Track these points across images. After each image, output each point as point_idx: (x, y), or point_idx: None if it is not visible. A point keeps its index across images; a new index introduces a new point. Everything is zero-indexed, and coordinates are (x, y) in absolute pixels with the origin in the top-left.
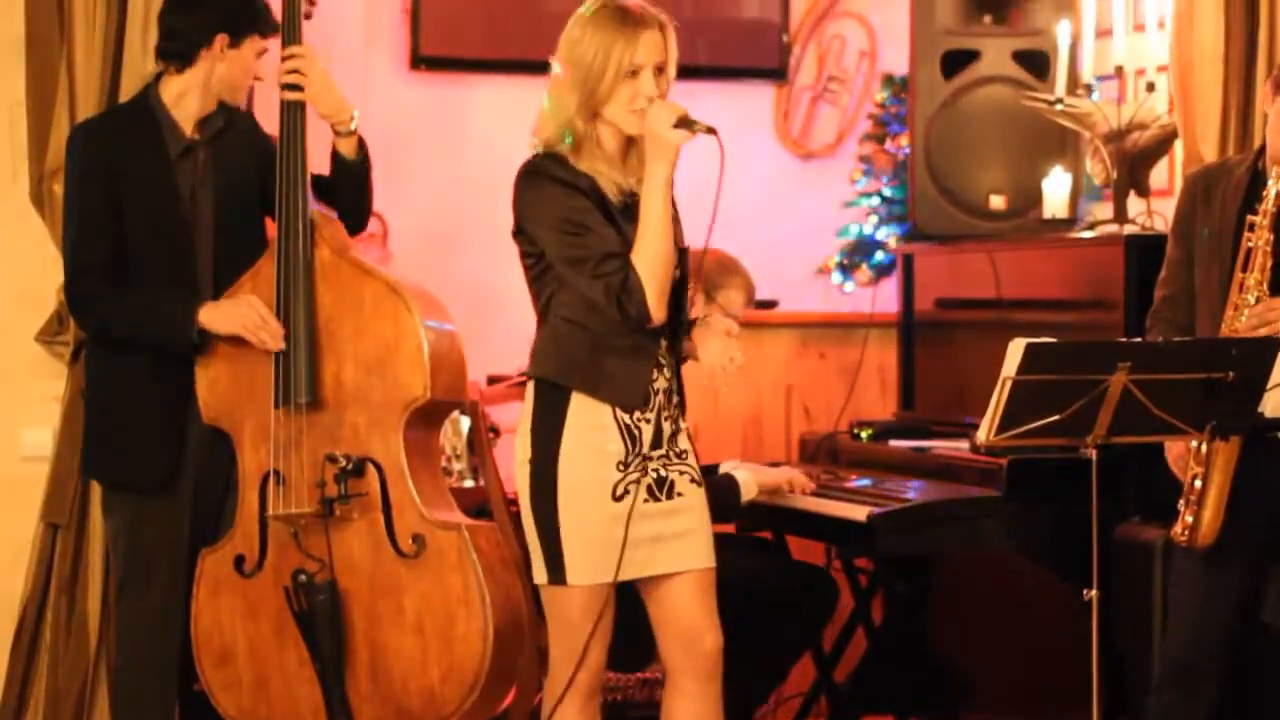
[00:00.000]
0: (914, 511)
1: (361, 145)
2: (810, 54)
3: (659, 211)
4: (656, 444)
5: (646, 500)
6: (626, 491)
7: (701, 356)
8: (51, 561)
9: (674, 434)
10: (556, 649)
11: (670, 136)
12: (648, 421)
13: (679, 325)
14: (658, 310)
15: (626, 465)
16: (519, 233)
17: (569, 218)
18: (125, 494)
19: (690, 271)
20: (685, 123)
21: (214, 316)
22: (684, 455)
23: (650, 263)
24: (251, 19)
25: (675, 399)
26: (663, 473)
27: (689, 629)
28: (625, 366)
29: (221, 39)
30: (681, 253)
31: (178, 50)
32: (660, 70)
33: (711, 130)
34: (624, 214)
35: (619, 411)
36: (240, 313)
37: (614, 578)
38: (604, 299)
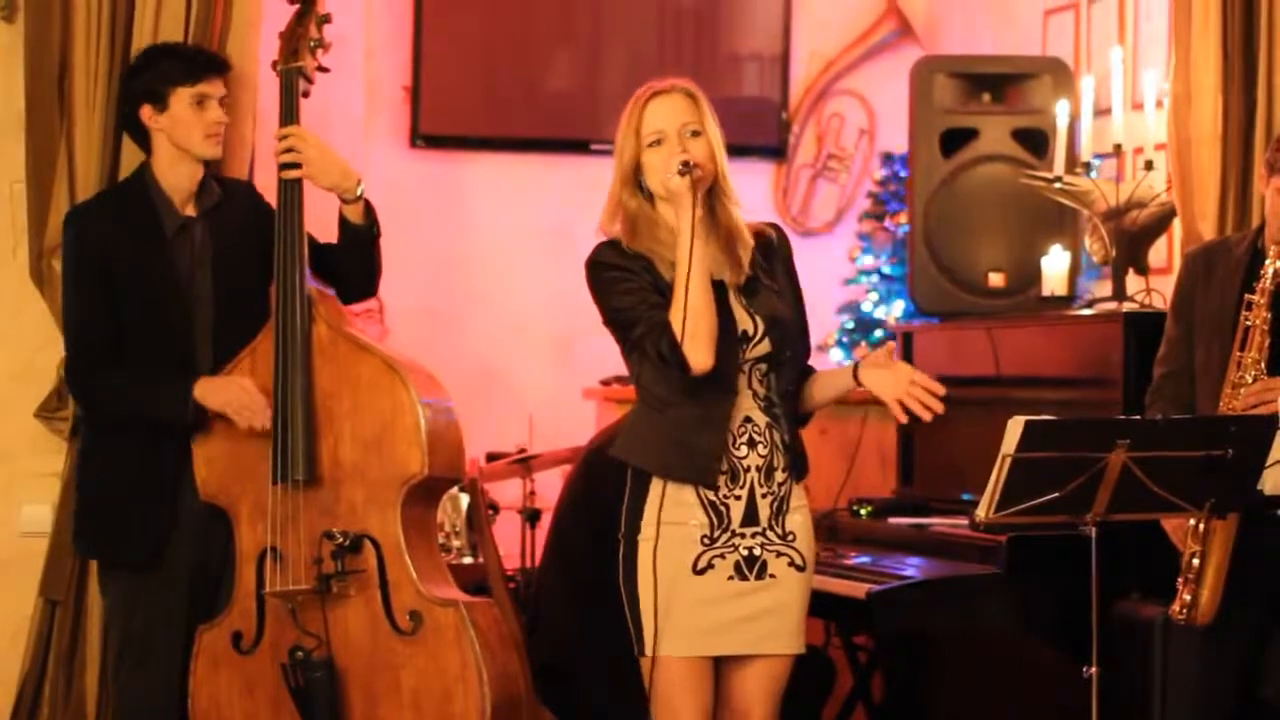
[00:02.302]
0: (913, 589)
1: (369, 211)
2: (809, 132)
3: (684, 258)
4: (750, 521)
5: (732, 578)
6: (710, 565)
7: (880, 395)
8: (50, 637)
9: (779, 513)
10: None
11: (674, 185)
12: (737, 498)
13: (782, 398)
14: (694, 353)
15: (713, 540)
16: (607, 321)
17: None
18: (119, 570)
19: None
20: (682, 168)
21: (206, 392)
22: (790, 538)
23: (682, 307)
24: (164, 76)
25: (780, 475)
26: (756, 552)
27: (739, 706)
28: (694, 443)
29: (145, 110)
30: (774, 320)
31: (131, 133)
32: (696, 134)
33: (685, 166)
34: None
35: (702, 488)
36: (229, 391)
37: (651, 652)
38: (646, 352)
